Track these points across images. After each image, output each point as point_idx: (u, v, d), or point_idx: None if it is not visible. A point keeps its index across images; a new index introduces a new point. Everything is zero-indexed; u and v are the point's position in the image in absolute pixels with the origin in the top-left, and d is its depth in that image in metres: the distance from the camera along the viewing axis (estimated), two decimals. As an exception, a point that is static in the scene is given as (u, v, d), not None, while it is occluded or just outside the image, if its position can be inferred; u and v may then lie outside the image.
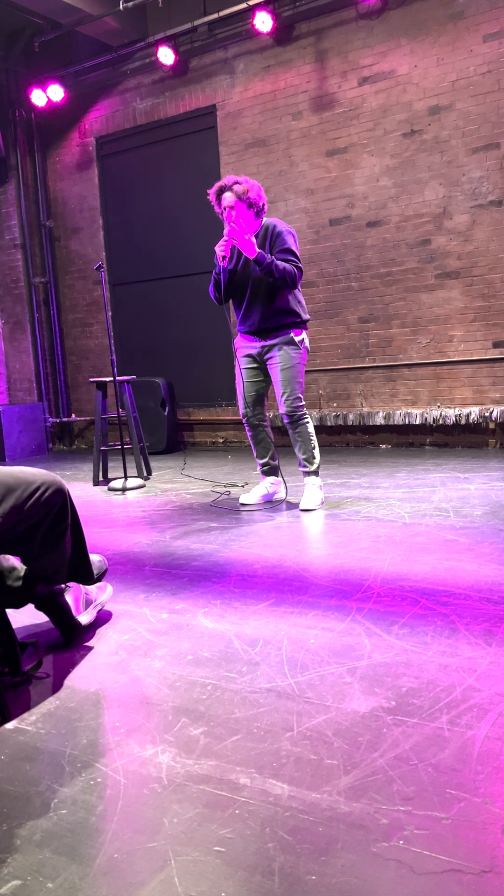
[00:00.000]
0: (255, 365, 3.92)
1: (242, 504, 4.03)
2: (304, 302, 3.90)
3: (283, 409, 3.83)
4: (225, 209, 3.70)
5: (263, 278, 3.70)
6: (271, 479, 4.08)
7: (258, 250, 3.61)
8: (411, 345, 5.88)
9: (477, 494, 3.93)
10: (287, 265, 3.64)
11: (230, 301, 3.95)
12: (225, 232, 3.70)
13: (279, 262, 3.62)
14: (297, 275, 3.68)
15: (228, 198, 3.67)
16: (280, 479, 4.10)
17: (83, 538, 2.15)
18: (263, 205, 3.74)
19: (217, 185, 3.74)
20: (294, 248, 3.73)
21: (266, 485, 4.07)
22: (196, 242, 6.77)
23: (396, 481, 4.47)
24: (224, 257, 3.70)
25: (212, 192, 3.76)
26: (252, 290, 3.77)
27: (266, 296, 3.75)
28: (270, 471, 4.07)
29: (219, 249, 3.69)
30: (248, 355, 3.92)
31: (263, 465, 4.07)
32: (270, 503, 4.04)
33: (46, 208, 7.74)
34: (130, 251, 7.29)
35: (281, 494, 4.10)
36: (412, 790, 1.35)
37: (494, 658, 1.89)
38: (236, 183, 3.68)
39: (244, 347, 3.93)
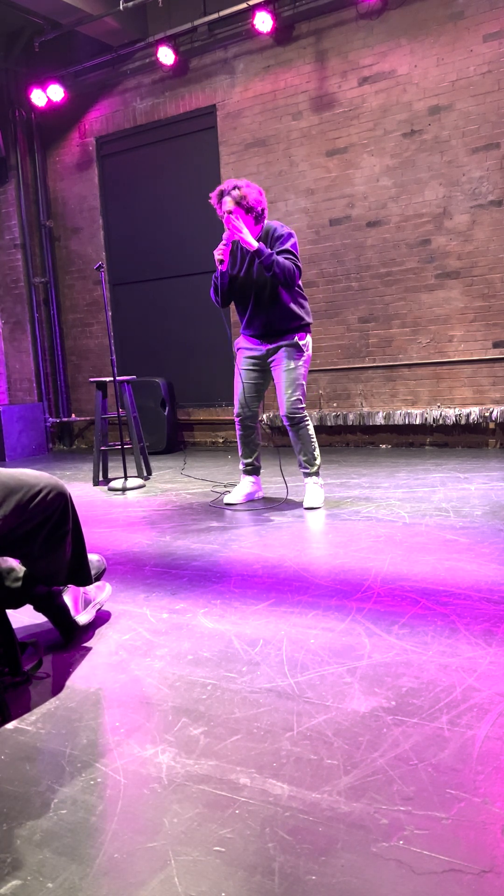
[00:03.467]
0: (257, 367, 3.93)
1: (227, 504, 4.06)
2: (307, 305, 3.91)
3: (283, 412, 3.83)
4: (225, 213, 3.68)
5: (268, 283, 3.70)
6: (252, 478, 4.13)
7: (258, 244, 3.60)
8: (411, 345, 5.88)
9: (477, 494, 3.93)
10: (287, 262, 3.63)
11: (231, 304, 3.96)
12: (224, 236, 3.69)
13: (279, 258, 3.62)
14: (295, 273, 3.67)
15: (227, 203, 3.65)
16: (259, 478, 4.18)
17: (83, 542, 2.15)
18: (263, 210, 3.72)
19: (218, 188, 3.73)
20: (294, 250, 3.72)
21: (248, 483, 4.12)
22: (196, 242, 6.77)
23: (396, 481, 4.47)
24: (221, 261, 3.69)
25: (213, 195, 3.75)
26: (256, 295, 3.77)
27: (270, 300, 3.76)
28: (253, 470, 4.13)
29: (217, 254, 3.68)
30: (252, 357, 3.93)
31: (248, 464, 4.11)
32: (252, 501, 4.11)
33: (46, 208, 7.74)
34: (130, 251, 7.29)
35: (279, 493, 4.11)
36: (412, 790, 1.35)
37: (494, 658, 1.89)
38: (235, 188, 3.67)
39: (248, 349, 3.94)
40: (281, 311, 3.78)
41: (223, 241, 3.68)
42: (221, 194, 3.71)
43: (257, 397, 3.99)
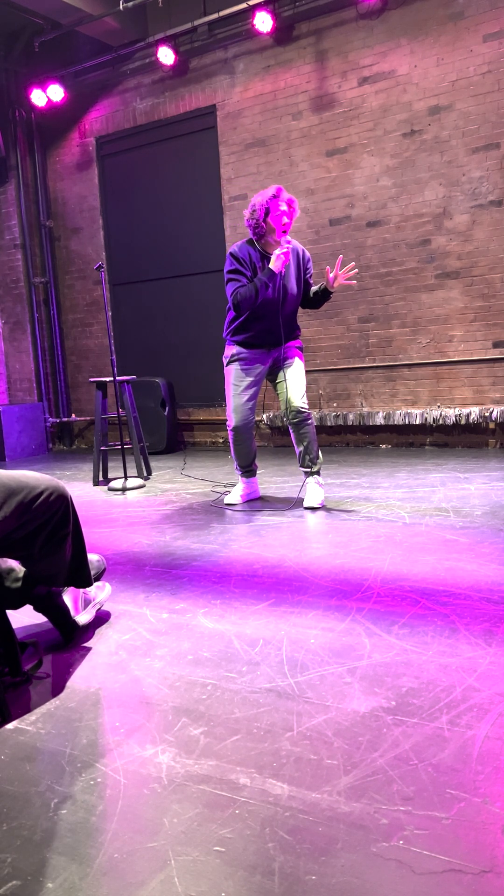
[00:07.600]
0: (261, 377, 3.98)
1: (228, 504, 4.07)
2: None
3: (296, 407, 3.84)
4: (282, 219, 3.81)
5: (294, 298, 3.88)
6: (250, 479, 4.16)
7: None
8: (411, 345, 5.88)
9: (477, 494, 3.93)
10: None
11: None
12: (284, 242, 3.75)
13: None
14: None
15: (289, 213, 3.85)
16: (256, 479, 4.21)
17: (83, 544, 2.15)
18: None
19: (270, 195, 3.80)
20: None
21: (247, 485, 4.15)
22: (196, 243, 6.77)
23: (396, 481, 4.47)
24: (287, 265, 3.81)
25: (268, 199, 3.79)
26: (281, 305, 3.83)
27: (292, 310, 3.94)
28: (251, 472, 4.15)
29: (282, 254, 3.71)
30: (257, 368, 3.94)
31: (246, 468, 4.12)
32: (250, 502, 4.12)
33: (46, 208, 7.74)
34: (130, 251, 7.29)
35: (278, 493, 4.14)
36: (412, 790, 1.35)
37: (494, 658, 1.89)
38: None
39: (252, 361, 3.93)
40: (294, 321, 4.00)
41: (283, 255, 3.70)
42: (275, 198, 3.80)
43: (255, 407, 4.03)
